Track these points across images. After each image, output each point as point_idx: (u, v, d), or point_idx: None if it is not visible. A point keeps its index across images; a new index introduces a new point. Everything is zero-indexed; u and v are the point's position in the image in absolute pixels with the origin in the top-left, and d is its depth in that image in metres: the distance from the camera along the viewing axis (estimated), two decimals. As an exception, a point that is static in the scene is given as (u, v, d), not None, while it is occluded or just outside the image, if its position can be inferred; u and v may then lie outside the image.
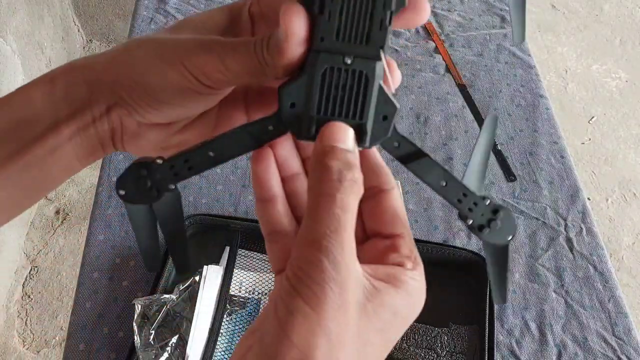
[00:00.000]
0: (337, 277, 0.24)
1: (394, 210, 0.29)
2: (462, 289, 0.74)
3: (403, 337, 0.68)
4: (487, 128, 0.31)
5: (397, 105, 0.27)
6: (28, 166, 0.29)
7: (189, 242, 0.79)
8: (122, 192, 0.28)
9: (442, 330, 0.69)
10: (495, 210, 0.29)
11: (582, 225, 0.84)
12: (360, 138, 0.27)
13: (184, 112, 0.31)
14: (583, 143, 2.07)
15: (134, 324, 0.66)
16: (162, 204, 0.28)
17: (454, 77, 1.05)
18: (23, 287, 1.56)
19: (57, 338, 1.47)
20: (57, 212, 1.73)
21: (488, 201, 0.28)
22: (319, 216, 0.25)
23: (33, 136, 0.29)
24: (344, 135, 0.27)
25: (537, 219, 0.84)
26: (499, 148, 0.93)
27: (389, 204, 0.29)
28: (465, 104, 1.00)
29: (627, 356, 0.72)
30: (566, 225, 0.84)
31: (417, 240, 0.79)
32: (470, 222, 0.28)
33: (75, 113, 0.29)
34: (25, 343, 1.46)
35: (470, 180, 0.30)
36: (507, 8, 1.19)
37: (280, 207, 0.30)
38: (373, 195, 0.30)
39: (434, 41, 1.11)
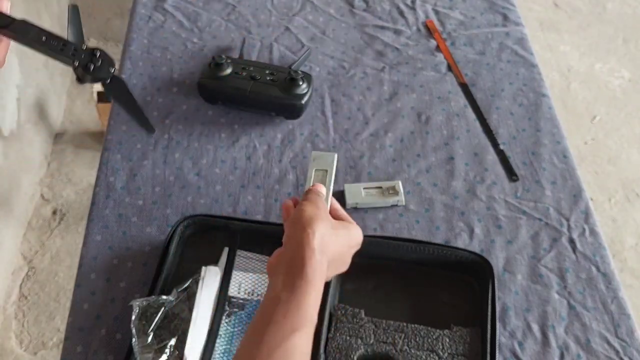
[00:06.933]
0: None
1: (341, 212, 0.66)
2: (464, 290, 0.74)
3: (404, 339, 0.68)
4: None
5: None
6: None
7: (187, 243, 0.78)
8: None
9: (443, 332, 0.68)
10: (92, 51, 0.33)
11: (585, 226, 0.83)
12: None
13: None
14: (586, 143, 2.06)
15: (132, 325, 0.66)
16: None
17: (456, 76, 1.04)
18: (20, 288, 1.56)
19: (54, 340, 1.47)
20: (54, 213, 1.72)
21: (85, 46, 0.33)
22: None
23: None
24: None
25: (539, 219, 0.83)
26: (502, 148, 0.92)
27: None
28: (467, 103, 1.00)
29: (630, 358, 0.71)
30: (569, 225, 0.83)
31: (418, 241, 0.79)
32: (77, 63, 0.32)
33: None
34: (22, 345, 1.46)
35: None
36: (509, 6, 1.18)
37: None
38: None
39: (435, 39, 1.10)
